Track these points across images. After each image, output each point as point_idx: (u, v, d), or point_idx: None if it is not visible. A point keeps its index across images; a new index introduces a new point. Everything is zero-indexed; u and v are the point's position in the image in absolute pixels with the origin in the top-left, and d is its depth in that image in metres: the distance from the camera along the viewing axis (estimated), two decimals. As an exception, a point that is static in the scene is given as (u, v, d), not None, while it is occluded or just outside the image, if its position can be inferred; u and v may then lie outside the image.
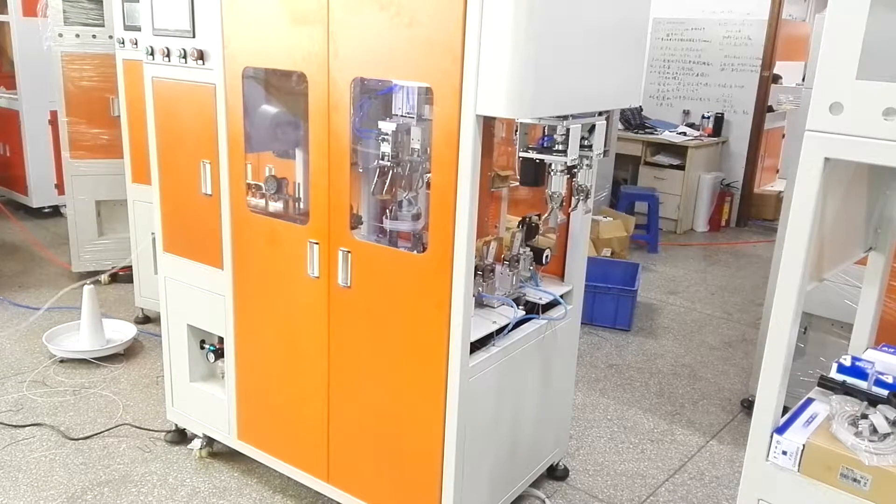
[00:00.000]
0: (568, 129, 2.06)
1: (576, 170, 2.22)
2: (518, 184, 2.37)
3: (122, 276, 4.71)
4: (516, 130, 2.16)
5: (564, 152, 2.07)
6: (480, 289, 2.39)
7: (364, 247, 2.26)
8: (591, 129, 2.19)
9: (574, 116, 2.11)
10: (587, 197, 2.34)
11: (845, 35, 1.36)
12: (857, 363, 1.71)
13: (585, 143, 2.17)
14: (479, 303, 2.38)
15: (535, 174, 2.17)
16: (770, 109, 7.24)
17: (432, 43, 1.91)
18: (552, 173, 2.16)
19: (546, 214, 2.26)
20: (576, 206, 2.37)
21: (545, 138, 2.12)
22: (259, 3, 2.27)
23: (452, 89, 1.89)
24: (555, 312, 2.60)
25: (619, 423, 3.47)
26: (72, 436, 3.13)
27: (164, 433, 3.13)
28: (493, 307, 2.42)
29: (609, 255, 5.52)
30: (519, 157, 2.15)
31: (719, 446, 3.32)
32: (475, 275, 2.24)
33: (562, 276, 2.73)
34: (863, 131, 1.36)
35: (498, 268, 2.47)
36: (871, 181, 1.77)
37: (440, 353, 2.10)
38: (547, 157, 2.11)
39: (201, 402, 2.91)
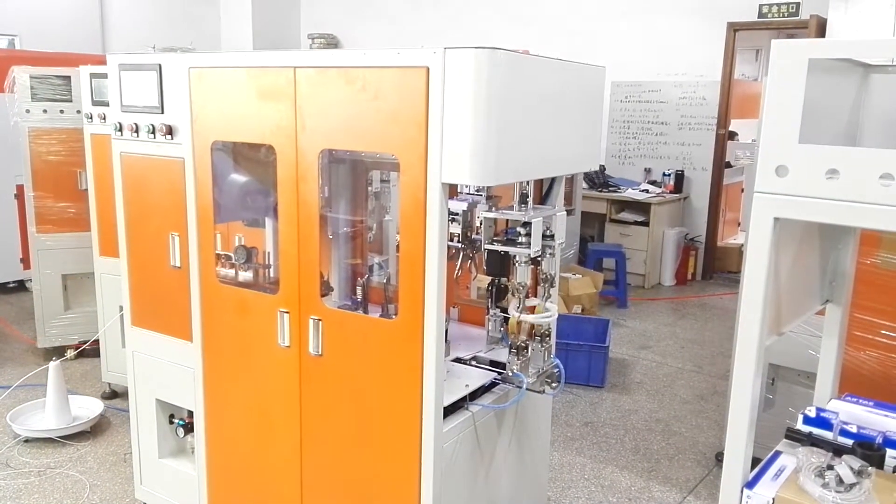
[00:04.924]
0: (530, 223, 2.14)
1: (540, 258, 2.28)
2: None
3: (89, 350, 4.61)
4: (480, 224, 2.23)
5: (528, 244, 2.15)
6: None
7: (335, 314, 2.27)
8: (552, 218, 2.27)
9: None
10: (552, 285, 2.38)
11: (786, 102, 1.44)
12: (822, 414, 1.75)
13: (548, 233, 2.27)
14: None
15: (500, 265, 2.25)
16: (728, 165, 7.48)
17: (397, 115, 1.97)
18: (517, 264, 2.23)
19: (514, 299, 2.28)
20: (545, 295, 2.37)
21: (509, 231, 2.20)
22: (227, 79, 2.33)
23: (418, 159, 1.95)
24: (527, 373, 2.60)
25: (597, 483, 3.45)
26: (35, 520, 3.02)
27: (131, 513, 3.04)
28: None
29: (579, 311, 5.57)
30: (484, 250, 2.22)
31: (696, 502, 3.31)
32: (446, 339, 2.26)
33: (532, 336, 2.75)
34: (808, 192, 1.43)
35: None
36: (822, 237, 1.84)
37: (414, 419, 2.09)
38: (511, 250, 2.19)
39: (171, 479, 2.84)
